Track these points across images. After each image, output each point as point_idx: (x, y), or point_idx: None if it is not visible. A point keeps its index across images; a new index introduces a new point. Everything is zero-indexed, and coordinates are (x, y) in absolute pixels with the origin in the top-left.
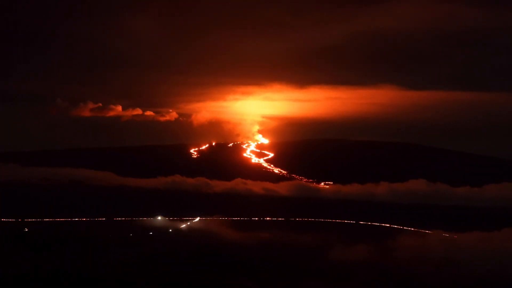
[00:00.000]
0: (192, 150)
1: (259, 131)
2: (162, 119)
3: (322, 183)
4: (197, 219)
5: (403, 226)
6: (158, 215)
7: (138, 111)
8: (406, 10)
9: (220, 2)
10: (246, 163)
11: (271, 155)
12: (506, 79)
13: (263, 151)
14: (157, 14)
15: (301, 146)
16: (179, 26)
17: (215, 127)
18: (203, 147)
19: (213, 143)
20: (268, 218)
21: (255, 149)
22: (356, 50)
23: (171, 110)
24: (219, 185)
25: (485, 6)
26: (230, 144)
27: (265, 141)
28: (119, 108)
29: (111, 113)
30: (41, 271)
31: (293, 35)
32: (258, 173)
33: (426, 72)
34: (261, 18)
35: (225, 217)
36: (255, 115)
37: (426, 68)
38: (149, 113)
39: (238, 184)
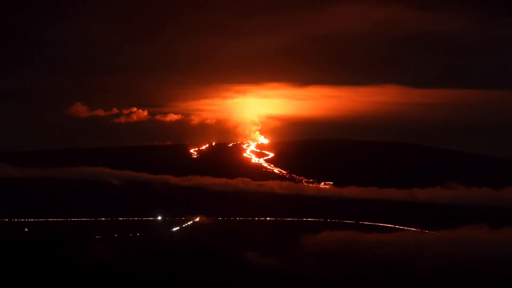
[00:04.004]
0: (192, 150)
1: (259, 131)
2: (161, 119)
3: (322, 183)
4: (197, 219)
5: (403, 226)
6: (158, 215)
7: (137, 112)
8: (351, 13)
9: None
10: (246, 163)
11: (271, 155)
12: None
13: (263, 151)
14: (155, 17)
15: (301, 146)
16: (177, 27)
17: (215, 127)
18: (203, 147)
19: (213, 143)
20: (268, 218)
21: (255, 149)
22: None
23: (170, 110)
24: (219, 185)
25: (431, 9)
26: (230, 144)
27: (265, 141)
28: (118, 108)
29: (110, 114)
30: (41, 271)
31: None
32: (258, 173)
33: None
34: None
35: (225, 217)
36: (255, 114)
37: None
38: (148, 113)
39: (238, 184)
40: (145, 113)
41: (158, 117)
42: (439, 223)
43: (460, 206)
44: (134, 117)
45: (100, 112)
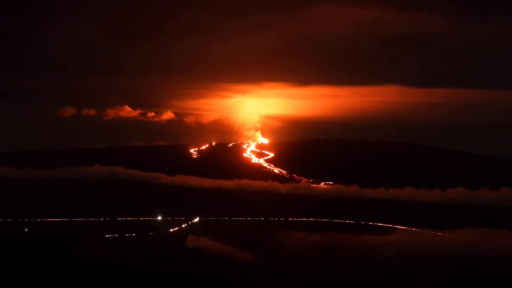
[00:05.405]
0: (192, 150)
1: (259, 131)
2: (161, 119)
3: (322, 183)
4: (197, 219)
5: (403, 227)
6: (157, 215)
7: (136, 112)
8: (351, 12)
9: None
10: (246, 163)
11: (271, 155)
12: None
13: (263, 151)
14: (154, 17)
15: (301, 146)
16: (175, 27)
17: (214, 126)
18: (203, 147)
19: (213, 143)
20: (268, 218)
21: (255, 149)
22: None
23: (169, 110)
24: (219, 185)
25: (431, 9)
26: (230, 144)
27: (265, 141)
28: (116, 109)
29: (108, 114)
30: (41, 271)
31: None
32: (258, 173)
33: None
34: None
35: (225, 217)
36: (255, 114)
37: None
38: (147, 113)
39: (238, 184)
40: (144, 113)
41: (156, 117)
42: (439, 223)
43: (460, 206)
44: (133, 117)
45: (99, 113)
